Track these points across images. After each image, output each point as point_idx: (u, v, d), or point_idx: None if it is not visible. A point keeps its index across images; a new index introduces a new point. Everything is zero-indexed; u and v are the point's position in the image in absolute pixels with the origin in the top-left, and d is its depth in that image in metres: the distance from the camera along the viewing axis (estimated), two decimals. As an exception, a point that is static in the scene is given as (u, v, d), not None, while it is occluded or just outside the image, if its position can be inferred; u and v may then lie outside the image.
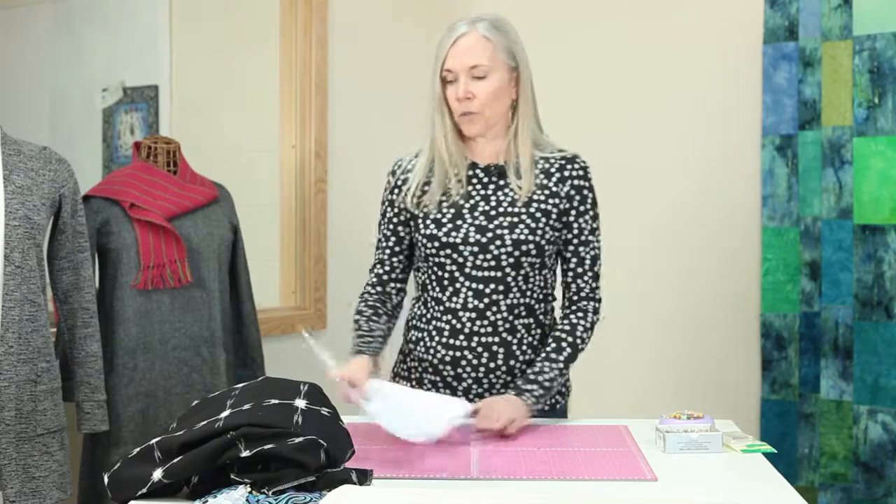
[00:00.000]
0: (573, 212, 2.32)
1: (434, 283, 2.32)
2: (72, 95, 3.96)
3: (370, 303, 2.37)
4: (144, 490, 1.62)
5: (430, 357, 2.33)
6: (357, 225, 3.44)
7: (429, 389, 2.34)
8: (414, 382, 2.37)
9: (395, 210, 2.37)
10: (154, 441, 1.67)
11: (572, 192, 2.32)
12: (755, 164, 3.67)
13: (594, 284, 2.34)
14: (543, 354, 2.27)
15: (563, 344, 2.28)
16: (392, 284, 2.40)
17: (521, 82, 2.30)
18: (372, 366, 2.19)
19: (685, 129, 3.78)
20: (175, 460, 1.62)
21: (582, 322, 2.31)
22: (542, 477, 1.84)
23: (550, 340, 2.29)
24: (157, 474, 1.62)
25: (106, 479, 1.66)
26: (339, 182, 3.61)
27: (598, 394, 3.66)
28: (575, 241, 2.32)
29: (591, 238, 2.33)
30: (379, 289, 2.39)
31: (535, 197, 2.30)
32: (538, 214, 2.29)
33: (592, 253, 2.34)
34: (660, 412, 2.15)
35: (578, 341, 2.29)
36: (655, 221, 3.82)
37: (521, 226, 2.27)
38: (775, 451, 2.03)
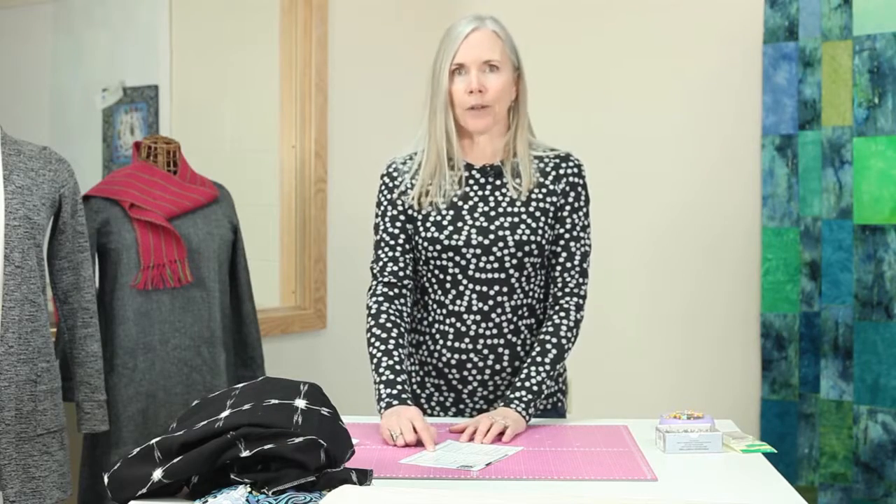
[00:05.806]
0: (567, 207, 2.31)
1: (436, 286, 2.31)
2: (72, 95, 3.96)
3: (392, 317, 2.27)
4: (144, 490, 1.62)
5: (434, 361, 2.32)
6: (357, 225, 3.43)
7: (431, 393, 2.34)
8: (414, 386, 2.36)
9: (399, 209, 2.32)
10: (154, 441, 1.67)
11: (567, 189, 2.31)
12: (755, 164, 3.67)
13: (580, 280, 2.32)
14: (529, 359, 2.25)
15: (548, 346, 2.26)
16: (407, 282, 2.31)
17: (522, 83, 2.32)
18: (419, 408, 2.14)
19: (685, 129, 3.78)
20: (175, 460, 1.62)
21: (565, 322, 2.28)
22: (542, 477, 1.84)
23: (535, 344, 2.28)
24: (157, 474, 1.61)
25: (106, 479, 1.66)
26: (339, 182, 3.61)
27: (598, 394, 3.66)
28: (566, 235, 2.31)
29: (582, 235, 2.32)
30: (396, 290, 2.30)
31: (534, 196, 2.29)
32: (538, 213, 2.28)
33: (583, 249, 2.32)
34: (660, 412, 2.15)
35: (564, 341, 2.27)
36: (655, 221, 3.82)
37: (523, 226, 2.27)
38: (775, 451, 2.03)
